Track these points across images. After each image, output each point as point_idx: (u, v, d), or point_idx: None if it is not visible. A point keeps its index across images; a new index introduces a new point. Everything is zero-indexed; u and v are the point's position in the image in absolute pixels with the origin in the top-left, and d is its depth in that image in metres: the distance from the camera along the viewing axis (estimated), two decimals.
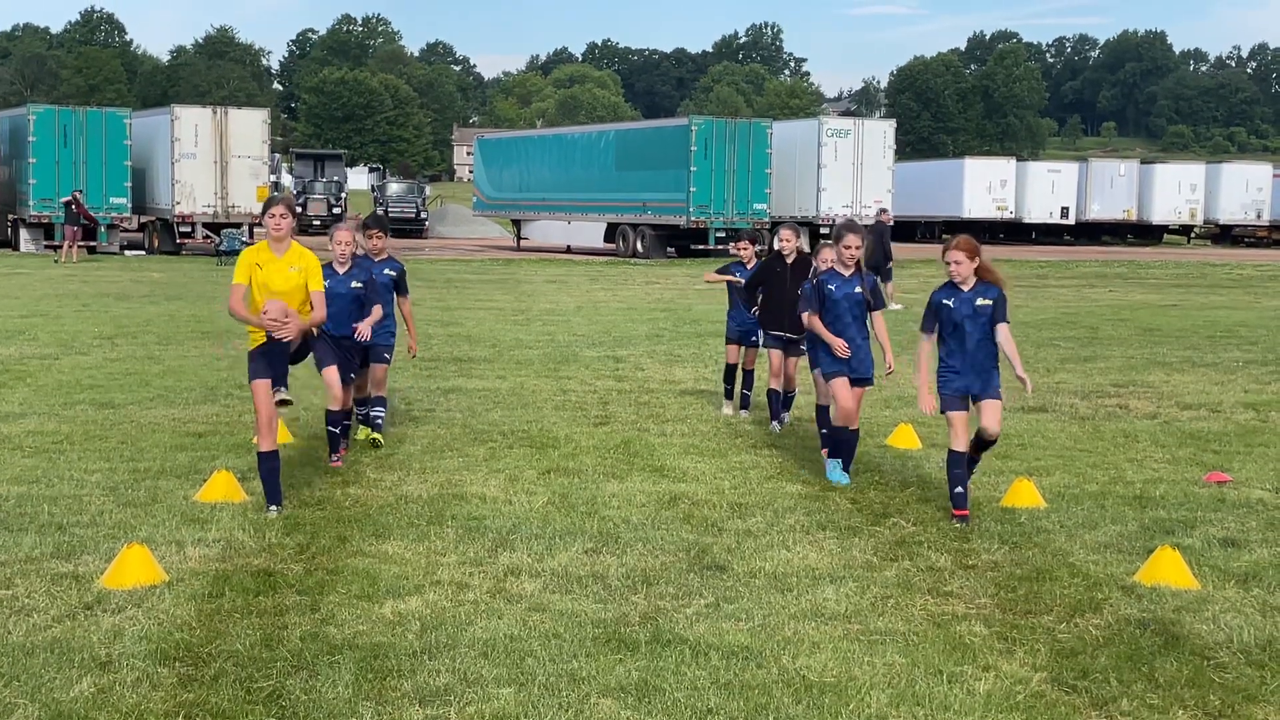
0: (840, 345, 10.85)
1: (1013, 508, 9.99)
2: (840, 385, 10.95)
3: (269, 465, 9.45)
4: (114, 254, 46.43)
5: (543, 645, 6.75)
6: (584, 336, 22.33)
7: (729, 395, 14.49)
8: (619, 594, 7.72)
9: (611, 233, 53.37)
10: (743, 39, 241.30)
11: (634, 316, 26.40)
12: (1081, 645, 6.93)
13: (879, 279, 11.13)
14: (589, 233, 55.46)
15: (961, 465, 9.65)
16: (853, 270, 11.10)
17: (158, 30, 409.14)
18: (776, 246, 13.55)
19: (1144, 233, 74.78)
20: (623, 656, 6.61)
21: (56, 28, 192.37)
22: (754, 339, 14.13)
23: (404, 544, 8.73)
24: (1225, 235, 75.39)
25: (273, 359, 9.44)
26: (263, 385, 9.35)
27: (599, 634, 6.96)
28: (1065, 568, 8.38)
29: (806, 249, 14.07)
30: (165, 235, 48.60)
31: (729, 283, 14.21)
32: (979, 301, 9.66)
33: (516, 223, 60.56)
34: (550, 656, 6.59)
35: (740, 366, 14.35)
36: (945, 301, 9.71)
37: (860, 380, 11.04)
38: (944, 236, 68.56)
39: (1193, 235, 76.65)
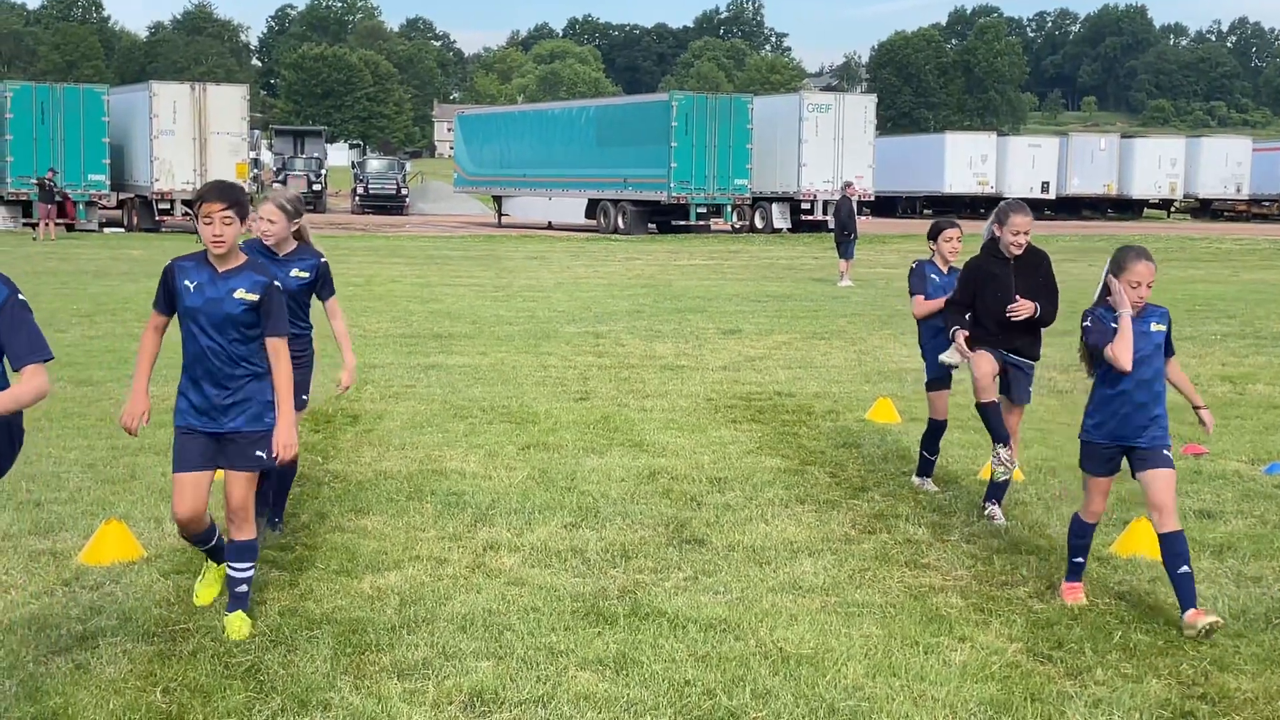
0: None
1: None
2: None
3: None
4: (93, 231, 46.23)
5: (521, 619, 6.77)
6: (564, 312, 22.32)
7: (928, 467, 9.96)
8: (597, 568, 7.75)
9: (592, 209, 53.35)
10: (724, 14, 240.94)
11: (614, 292, 26.39)
12: (1057, 616, 6.98)
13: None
14: (570, 209, 55.46)
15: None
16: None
17: (135, 6, 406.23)
18: (998, 236, 8.95)
19: (1124, 207, 74.89)
20: (601, 630, 6.64)
21: (33, 4, 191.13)
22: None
23: (383, 519, 8.74)
24: (1205, 209, 75.72)
25: None
26: None
27: (577, 608, 6.98)
28: (1042, 540, 8.43)
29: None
30: (144, 212, 48.44)
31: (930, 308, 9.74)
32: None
33: (497, 199, 60.49)
34: (529, 630, 6.61)
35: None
36: None
37: None
38: (925, 211, 68.67)
39: (1173, 210, 76.88)
